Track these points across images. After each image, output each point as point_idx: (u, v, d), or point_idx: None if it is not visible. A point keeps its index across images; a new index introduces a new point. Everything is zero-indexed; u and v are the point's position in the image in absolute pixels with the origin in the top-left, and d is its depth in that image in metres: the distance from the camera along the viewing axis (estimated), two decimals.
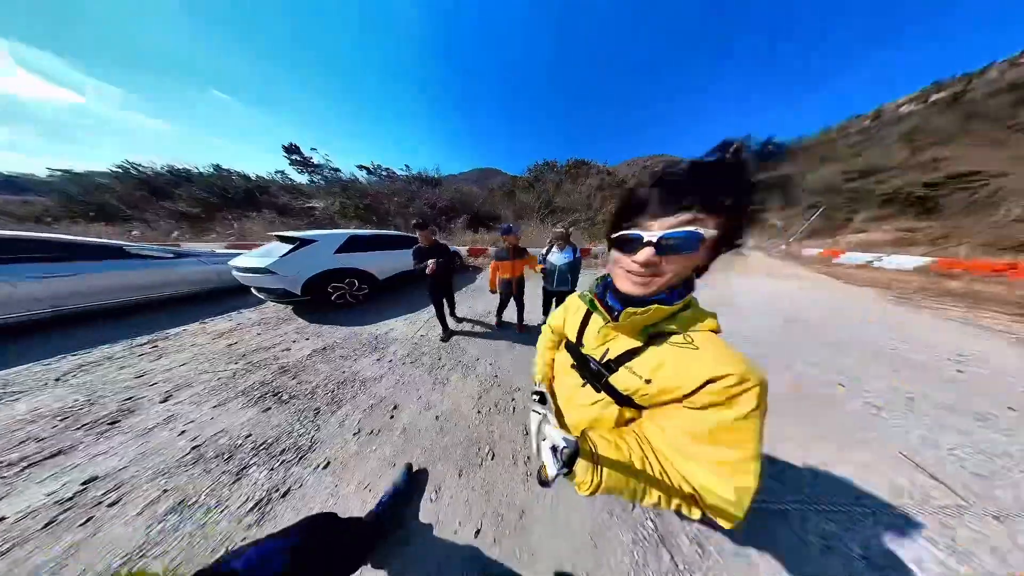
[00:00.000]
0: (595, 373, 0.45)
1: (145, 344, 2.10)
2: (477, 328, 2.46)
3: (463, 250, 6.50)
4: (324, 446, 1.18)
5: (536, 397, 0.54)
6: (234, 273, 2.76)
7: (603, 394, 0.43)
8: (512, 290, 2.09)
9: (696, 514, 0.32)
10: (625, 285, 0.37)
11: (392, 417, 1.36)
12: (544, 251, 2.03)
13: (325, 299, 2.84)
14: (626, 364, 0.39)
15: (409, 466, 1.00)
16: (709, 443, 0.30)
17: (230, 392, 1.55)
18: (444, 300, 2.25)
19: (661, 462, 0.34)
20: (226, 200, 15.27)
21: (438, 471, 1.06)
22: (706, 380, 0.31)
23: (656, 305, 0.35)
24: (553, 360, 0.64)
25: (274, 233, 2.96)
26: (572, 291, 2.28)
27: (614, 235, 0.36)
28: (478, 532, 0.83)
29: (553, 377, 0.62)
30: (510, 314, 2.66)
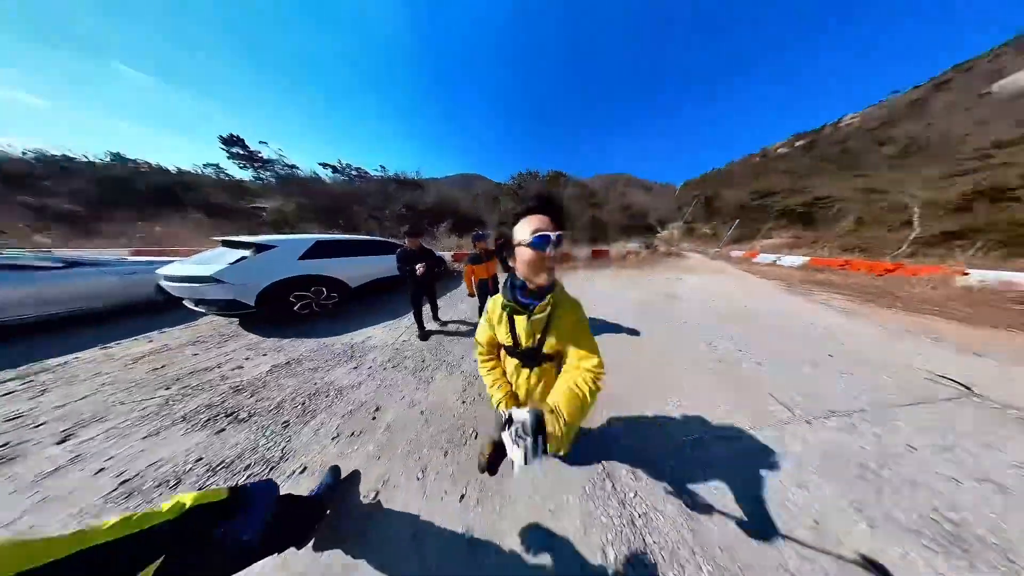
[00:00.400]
0: (536, 357, 0.63)
1: (11, 381, 1.65)
2: (462, 328, 2.54)
3: (448, 255, 6.45)
4: (299, 454, 1.14)
5: (506, 425, 0.46)
6: (163, 283, 2.34)
7: (535, 367, 0.65)
8: (490, 288, 2.23)
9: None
10: (543, 278, 0.55)
11: (375, 418, 1.37)
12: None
13: (286, 310, 2.61)
14: (548, 336, 0.60)
15: (336, 469, 0.99)
16: (583, 339, 0.58)
17: (165, 420, 1.35)
18: (427, 303, 2.34)
19: (573, 371, 0.56)
20: (128, 197, 12.24)
21: (424, 455, 1.12)
22: (575, 317, 0.60)
23: (551, 295, 0.58)
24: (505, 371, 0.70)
25: (219, 238, 2.63)
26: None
27: (531, 237, 0.50)
28: (463, 497, 0.94)
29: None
30: None
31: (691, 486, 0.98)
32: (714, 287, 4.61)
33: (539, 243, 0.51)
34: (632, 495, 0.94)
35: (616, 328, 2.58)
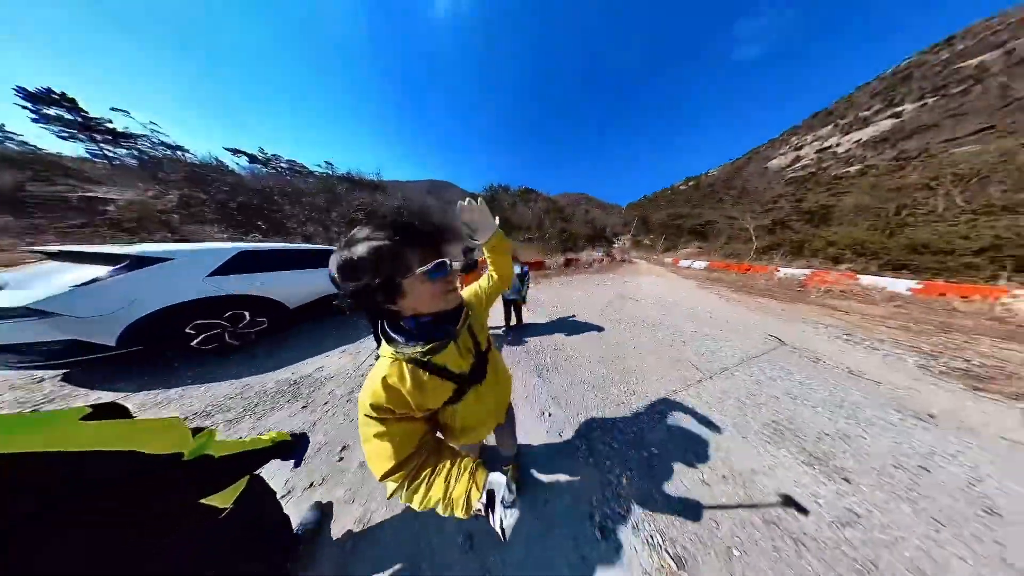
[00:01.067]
0: (484, 362, 0.59)
1: None
2: None
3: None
4: None
5: (484, 504, 0.41)
6: None
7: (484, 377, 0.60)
8: None
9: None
10: (454, 300, 0.47)
11: (341, 459, 1.16)
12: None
13: (174, 347, 1.92)
14: (477, 334, 0.59)
15: (318, 503, 0.95)
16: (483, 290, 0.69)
17: None
18: None
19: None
20: None
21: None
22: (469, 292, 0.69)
23: (465, 309, 0.54)
24: (450, 446, 0.52)
25: (41, 249, 1.76)
26: (522, 300, 2.73)
27: (431, 264, 0.41)
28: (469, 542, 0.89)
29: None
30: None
31: (649, 443, 1.25)
32: (655, 287, 5.98)
33: (440, 274, 0.42)
34: (608, 462, 1.14)
35: (592, 327, 3.02)
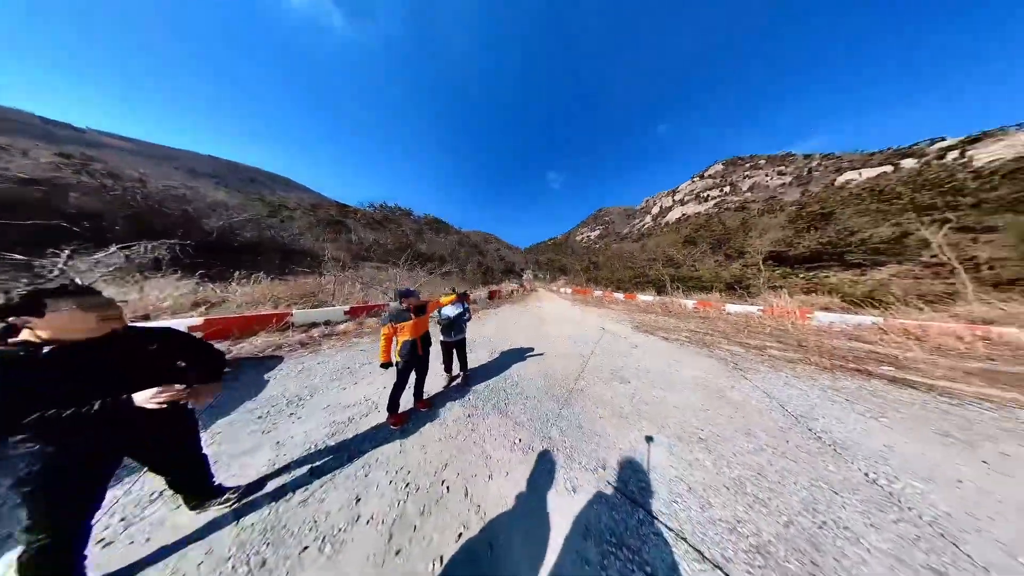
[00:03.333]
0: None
1: None
2: (351, 445, 1.70)
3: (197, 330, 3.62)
4: None
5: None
6: None
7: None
8: (418, 350, 1.92)
9: None
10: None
11: None
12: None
13: None
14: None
15: None
16: None
17: None
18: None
19: None
20: None
21: None
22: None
23: None
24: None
25: None
26: (464, 338, 2.47)
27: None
28: None
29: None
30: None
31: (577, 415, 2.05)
32: (554, 308, 8.76)
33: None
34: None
35: (527, 349, 3.79)
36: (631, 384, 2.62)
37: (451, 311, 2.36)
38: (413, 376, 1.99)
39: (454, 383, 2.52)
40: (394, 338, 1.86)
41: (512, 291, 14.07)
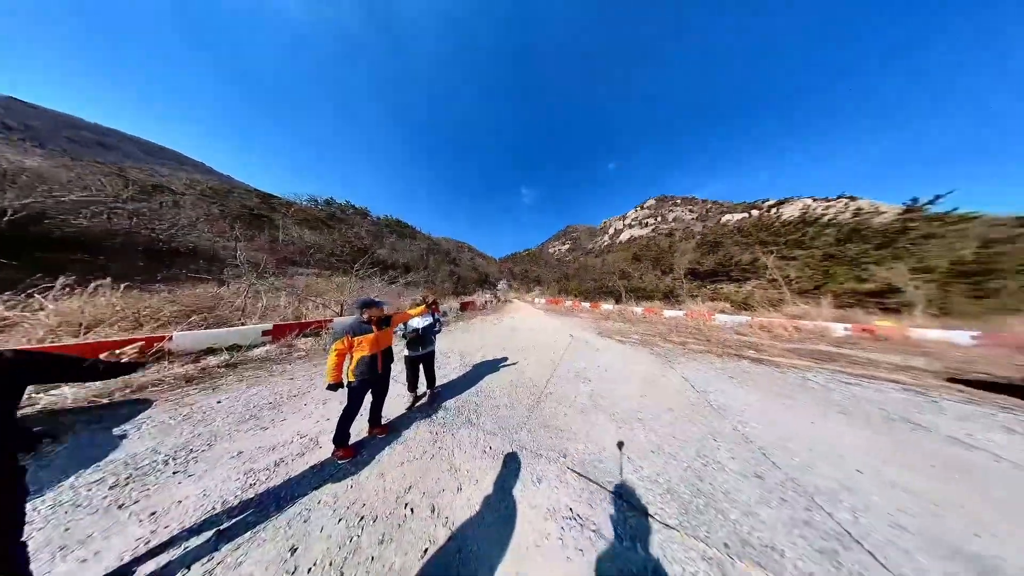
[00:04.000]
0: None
1: None
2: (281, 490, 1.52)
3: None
4: None
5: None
6: None
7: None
8: (378, 368, 1.72)
9: None
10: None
11: None
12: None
13: None
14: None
15: None
16: None
17: None
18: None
19: None
20: None
21: None
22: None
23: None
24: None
25: None
26: (433, 351, 2.34)
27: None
28: None
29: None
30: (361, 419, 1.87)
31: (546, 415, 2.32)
32: (528, 319, 9.16)
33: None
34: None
35: (501, 359, 3.89)
36: (591, 383, 3.05)
37: (419, 322, 2.23)
38: (369, 398, 1.79)
39: (419, 403, 2.36)
40: (348, 355, 1.65)
41: (486, 302, 14.05)
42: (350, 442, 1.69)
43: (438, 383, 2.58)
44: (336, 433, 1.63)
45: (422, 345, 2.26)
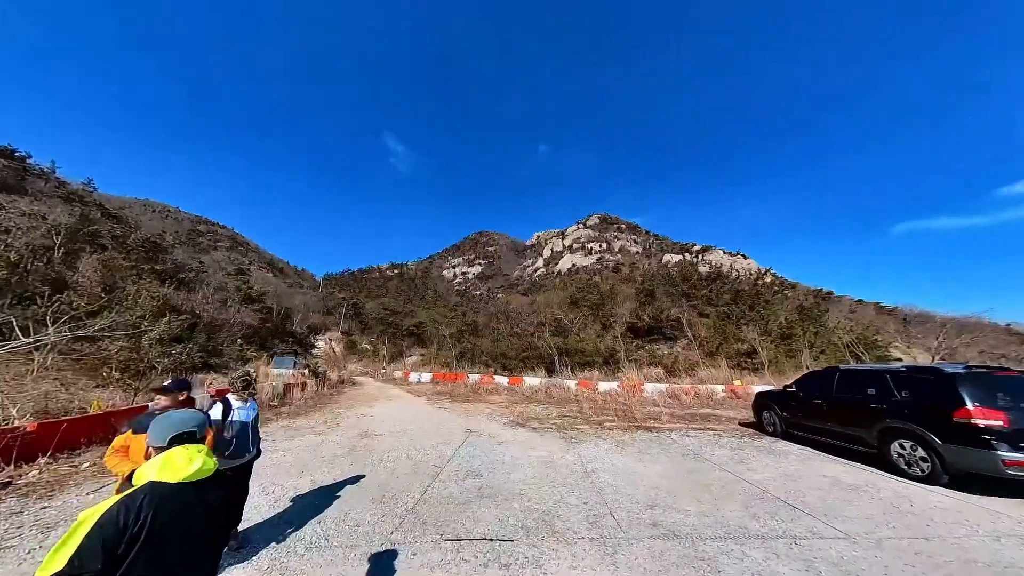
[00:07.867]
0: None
1: None
2: None
3: None
4: None
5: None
6: None
7: None
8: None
9: None
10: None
11: None
12: (209, 407, 3.00)
13: None
14: None
15: None
16: None
17: None
18: None
19: None
20: None
21: None
22: None
23: None
24: None
25: None
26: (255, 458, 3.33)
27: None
28: None
29: None
30: None
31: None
32: (395, 413, 10.35)
33: None
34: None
35: (347, 481, 5.05)
36: (483, 477, 5.10)
37: (244, 414, 3.13)
38: None
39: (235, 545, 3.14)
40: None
41: (285, 388, 12.55)
42: None
43: (244, 526, 3.32)
44: None
45: (252, 445, 3.28)
